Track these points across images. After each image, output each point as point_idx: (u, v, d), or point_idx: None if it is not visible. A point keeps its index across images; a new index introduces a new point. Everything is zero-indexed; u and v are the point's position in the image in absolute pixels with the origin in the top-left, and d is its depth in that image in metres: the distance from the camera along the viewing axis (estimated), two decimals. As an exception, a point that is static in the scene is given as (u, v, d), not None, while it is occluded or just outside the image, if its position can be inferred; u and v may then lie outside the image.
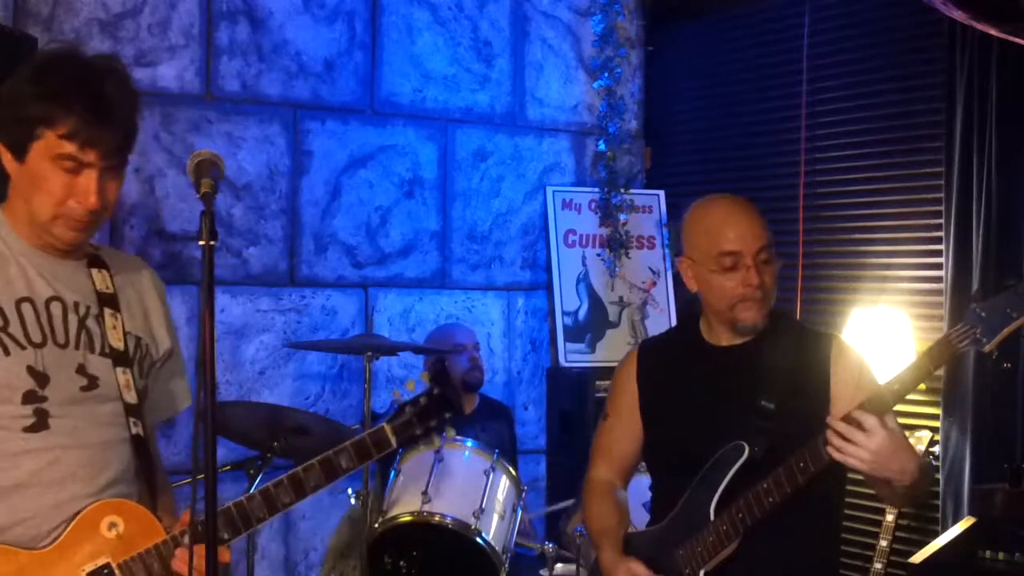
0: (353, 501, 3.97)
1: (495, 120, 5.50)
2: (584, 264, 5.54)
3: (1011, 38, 3.51)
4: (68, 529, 2.12)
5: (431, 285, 5.36)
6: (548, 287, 5.56)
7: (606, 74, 5.58)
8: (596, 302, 5.53)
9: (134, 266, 2.36)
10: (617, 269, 5.53)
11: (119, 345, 2.20)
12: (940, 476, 4.22)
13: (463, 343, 4.83)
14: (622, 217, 5.51)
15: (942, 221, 4.29)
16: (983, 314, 2.37)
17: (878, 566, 4.16)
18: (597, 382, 5.18)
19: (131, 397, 2.21)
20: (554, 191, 5.55)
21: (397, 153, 5.26)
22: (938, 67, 4.37)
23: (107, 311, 2.22)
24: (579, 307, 5.51)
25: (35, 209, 2.11)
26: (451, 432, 2.63)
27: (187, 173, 2.05)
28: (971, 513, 3.95)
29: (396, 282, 5.28)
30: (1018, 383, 4.09)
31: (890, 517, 4.19)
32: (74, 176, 2.08)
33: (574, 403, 5.31)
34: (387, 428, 2.42)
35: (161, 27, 4.70)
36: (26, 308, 2.13)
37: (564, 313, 5.46)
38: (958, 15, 3.47)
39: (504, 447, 4.34)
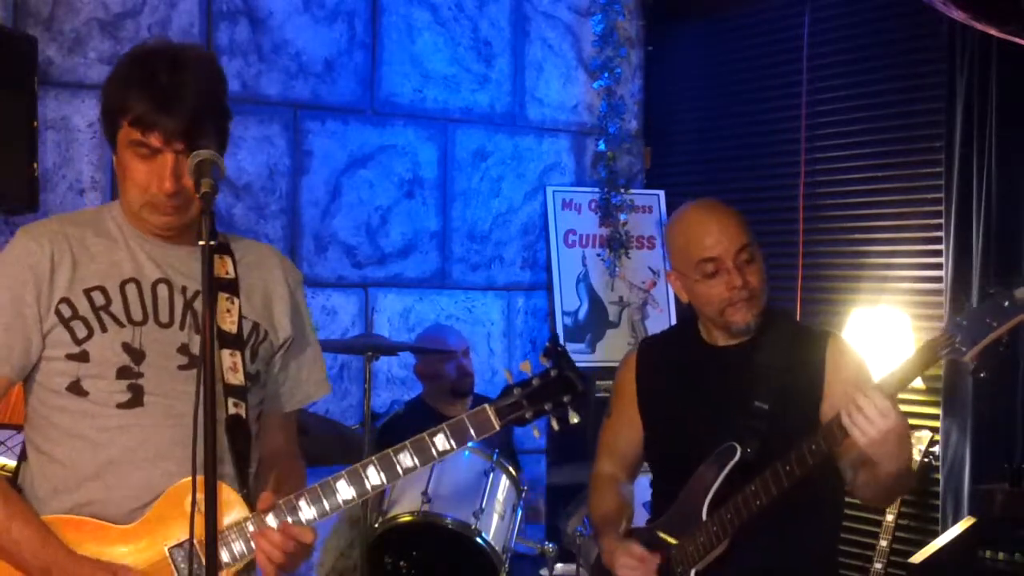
0: (353, 501, 3.96)
1: (495, 120, 5.50)
2: (584, 264, 5.54)
3: (1011, 38, 3.51)
4: (154, 506, 2.15)
5: (431, 285, 5.36)
6: (548, 287, 5.56)
7: (606, 74, 5.58)
8: (596, 302, 5.53)
9: (265, 255, 2.40)
10: (617, 269, 5.52)
11: (231, 328, 2.22)
12: (940, 476, 4.22)
13: (453, 348, 4.77)
14: (622, 217, 5.51)
15: (942, 221, 4.29)
16: (964, 323, 2.35)
17: (878, 566, 4.16)
18: (597, 382, 5.16)
19: (235, 379, 2.22)
20: (554, 191, 5.55)
21: (397, 153, 5.26)
22: (938, 67, 4.37)
23: (223, 295, 2.24)
24: (579, 307, 5.51)
25: (128, 198, 2.19)
26: (575, 418, 2.33)
27: (187, 173, 2.07)
28: (971, 513, 3.95)
29: (396, 282, 5.27)
30: (1018, 384, 4.09)
31: (890, 517, 4.19)
32: (150, 162, 2.13)
33: (574, 403, 5.28)
34: (489, 409, 2.25)
35: (161, 27, 4.69)
36: (130, 289, 2.19)
37: (564, 313, 5.45)
38: (958, 15, 3.47)
39: (502, 447, 4.34)
